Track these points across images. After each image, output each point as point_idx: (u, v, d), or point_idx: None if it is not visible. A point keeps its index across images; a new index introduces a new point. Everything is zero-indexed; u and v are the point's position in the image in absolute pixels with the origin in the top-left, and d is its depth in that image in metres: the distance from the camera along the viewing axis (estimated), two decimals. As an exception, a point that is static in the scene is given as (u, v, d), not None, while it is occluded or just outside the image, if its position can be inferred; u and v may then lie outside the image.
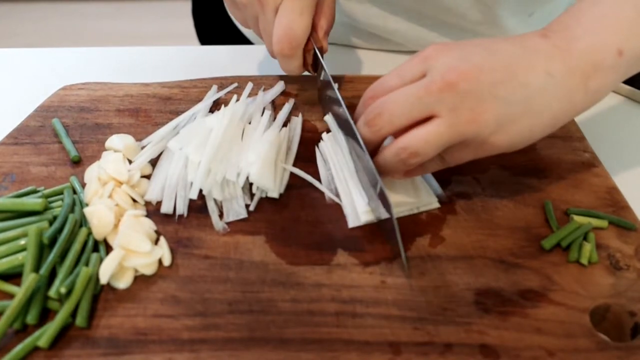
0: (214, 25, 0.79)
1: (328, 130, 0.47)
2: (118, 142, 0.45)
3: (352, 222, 0.40)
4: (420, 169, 0.40)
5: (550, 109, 0.36)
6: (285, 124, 0.49)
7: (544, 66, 0.36)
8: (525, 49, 0.37)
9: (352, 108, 0.42)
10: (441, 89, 0.35)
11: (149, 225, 0.39)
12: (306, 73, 0.50)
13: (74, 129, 0.48)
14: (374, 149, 0.39)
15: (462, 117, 0.35)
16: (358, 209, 0.40)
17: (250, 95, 0.51)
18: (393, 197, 0.41)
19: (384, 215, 0.38)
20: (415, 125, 0.36)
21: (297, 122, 0.49)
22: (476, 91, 0.35)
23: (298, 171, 0.44)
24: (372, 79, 0.54)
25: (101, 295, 0.35)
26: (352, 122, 0.40)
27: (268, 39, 0.46)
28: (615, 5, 0.37)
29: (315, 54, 0.47)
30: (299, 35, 0.44)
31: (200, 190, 0.41)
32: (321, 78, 0.48)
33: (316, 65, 0.49)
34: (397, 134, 0.37)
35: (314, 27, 0.46)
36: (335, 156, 0.44)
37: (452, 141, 0.36)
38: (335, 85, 0.44)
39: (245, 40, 0.73)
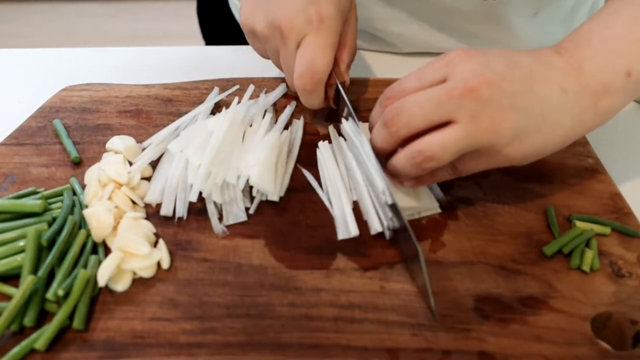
0: (219, 24, 0.78)
1: (328, 137, 0.47)
2: (119, 143, 0.45)
3: (341, 234, 0.39)
4: (430, 177, 0.40)
5: (563, 125, 0.37)
6: (286, 127, 0.48)
7: (559, 82, 0.37)
8: (542, 64, 0.37)
9: (357, 113, 0.41)
10: (462, 94, 0.35)
11: (148, 227, 0.39)
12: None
13: (75, 130, 0.48)
14: (390, 153, 0.39)
15: (481, 125, 0.35)
16: (349, 222, 0.39)
17: (251, 97, 0.51)
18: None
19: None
20: (432, 130, 0.36)
21: (298, 125, 0.49)
22: (497, 100, 0.35)
23: (306, 173, 0.44)
24: (373, 82, 0.54)
25: (99, 297, 0.35)
26: (374, 155, 0.40)
27: (289, 73, 0.45)
28: (624, 28, 0.38)
29: (337, 88, 0.46)
30: (322, 71, 0.42)
31: (200, 193, 0.41)
32: (344, 114, 0.47)
33: (338, 100, 0.47)
34: (407, 142, 0.37)
35: (335, 61, 0.45)
36: (330, 166, 0.44)
37: (468, 148, 0.36)
38: (360, 125, 0.43)
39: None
